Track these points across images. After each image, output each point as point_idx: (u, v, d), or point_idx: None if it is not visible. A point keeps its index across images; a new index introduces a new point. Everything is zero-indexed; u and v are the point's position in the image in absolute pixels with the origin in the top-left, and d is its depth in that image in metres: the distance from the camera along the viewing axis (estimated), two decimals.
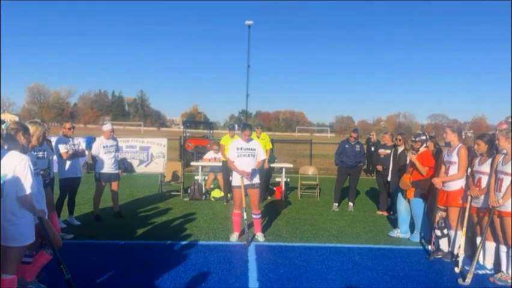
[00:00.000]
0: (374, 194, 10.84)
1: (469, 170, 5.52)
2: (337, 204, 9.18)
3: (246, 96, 25.40)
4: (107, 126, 7.61)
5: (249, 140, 6.54)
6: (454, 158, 5.63)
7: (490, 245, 5.22)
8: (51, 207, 5.93)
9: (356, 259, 5.65)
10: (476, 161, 5.32)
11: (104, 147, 7.44)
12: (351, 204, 9.18)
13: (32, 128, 4.24)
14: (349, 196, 9.30)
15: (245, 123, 6.70)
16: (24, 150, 3.67)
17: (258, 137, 9.73)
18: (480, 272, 5.12)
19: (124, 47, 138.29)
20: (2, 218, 3.39)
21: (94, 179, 7.55)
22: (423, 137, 6.53)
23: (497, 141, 4.92)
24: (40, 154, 5.76)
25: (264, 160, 7.05)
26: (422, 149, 6.49)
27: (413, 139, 6.57)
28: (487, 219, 4.95)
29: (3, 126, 3.58)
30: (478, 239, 5.20)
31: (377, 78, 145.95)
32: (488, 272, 5.17)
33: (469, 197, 5.27)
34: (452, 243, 5.70)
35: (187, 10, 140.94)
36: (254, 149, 6.50)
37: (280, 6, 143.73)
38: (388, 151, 8.58)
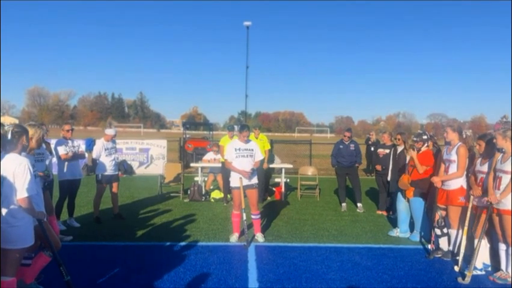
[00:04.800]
0: (374, 193, 10.84)
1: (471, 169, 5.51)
2: (345, 204, 9.23)
3: (245, 97, 25.46)
4: (111, 131, 7.65)
5: (247, 140, 6.57)
6: (453, 156, 5.64)
7: (483, 242, 5.19)
8: (50, 211, 5.93)
9: (356, 259, 5.65)
10: (478, 160, 5.33)
11: (105, 149, 7.47)
12: (359, 205, 9.14)
13: (30, 131, 4.24)
14: (356, 198, 9.28)
15: (243, 125, 6.78)
16: (24, 150, 3.69)
17: (257, 138, 9.75)
18: (479, 272, 5.10)
19: (124, 49, 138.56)
20: (1, 220, 3.39)
21: (96, 181, 7.56)
22: (425, 137, 6.55)
23: (495, 141, 4.93)
24: (40, 157, 5.76)
25: (262, 160, 7.09)
26: (423, 149, 6.51)
27: (415, 139, 6.58)
28: (485, 218, 4.95)
29: (6, 128, 3.58)
30: (476, 239, 5.19)
31: (377, 78, 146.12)
32: (478, 270, 5.12)
33: (471, 197, 5.27)
34: (452, 242, 5.70)
35: (186, 11, 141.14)
36: (252, 150, 6.53)
37: (278, 7, 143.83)
38: (387, 151, 8.58)
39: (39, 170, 5.39)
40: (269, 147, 10.46)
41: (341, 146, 9.20)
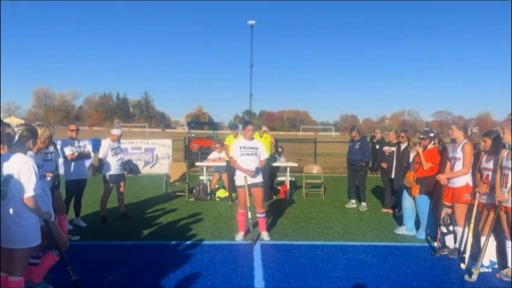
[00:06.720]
0: (379, 191, 10.81)
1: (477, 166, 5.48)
2: (354, 200, 9.35)
3: (249, 96, 25.45)
4: (117, 131, 7.72)
5: (252, 138, 6.58)
6: (459, 154, 5.61)
7: (491, 240, 5.16)
8: (61, 210, 5.98)
9: (362, 257, 5.64)
10: (484, 158, 5.29)
11: (112, 149, 7.52)
12: (363, 204, 9.17)
13: (40, 131, 4.29)
14: (360, 196, 9.31)
15: (246, 121, 6.82)
16: (30, 150, 3.73)
17: (261, 137, 9.75)
18: (486, 269, 5.07)
19: (128, 49, 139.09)
20: (8, 220, 3.42)
21: (103, 181, 7.60)
22: (432, 134, 6.53)
23: (502, 135, 4.89)
24: (49, 156, 5.79)
25: (267, 159, 7.10)
26: (429, 146, 6.48)
27: (422, 136, 6.56)
28: (493, 215, 4.93)
29: (16, 129, 3.62)
30: (483, 236, 5.16)
31: (381, 76, 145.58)
32: (485, 268, 5.10)
33: (477, 194, 5.25)
34: (458, 240, 5.67)
35: (190, 11, 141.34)
36: (257, 148, 6.53)
37: (282, 6, 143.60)
38: (393, 148, 8.55)
39: (48, 170, 5.43)
40: (273, 140, 10.49)
41: (350, 144, 9.49)
